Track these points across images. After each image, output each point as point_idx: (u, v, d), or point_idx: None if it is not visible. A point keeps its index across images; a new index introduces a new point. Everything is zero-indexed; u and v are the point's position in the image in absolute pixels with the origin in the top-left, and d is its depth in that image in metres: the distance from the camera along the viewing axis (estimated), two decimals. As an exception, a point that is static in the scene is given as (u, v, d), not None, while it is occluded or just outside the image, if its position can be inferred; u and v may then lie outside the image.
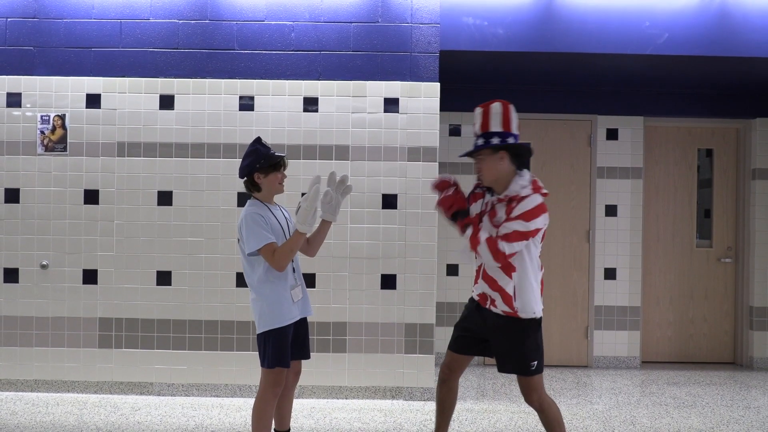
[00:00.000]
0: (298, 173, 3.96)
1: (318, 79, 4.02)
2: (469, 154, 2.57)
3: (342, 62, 4.02)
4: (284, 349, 2.63)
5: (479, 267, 2.61)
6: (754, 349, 5.03)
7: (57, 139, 4.02)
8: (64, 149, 4.02)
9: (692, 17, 4.09)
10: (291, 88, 4.02)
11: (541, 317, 2.59)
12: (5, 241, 4.01)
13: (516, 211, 2.45)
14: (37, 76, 4.02)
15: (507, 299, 2.53)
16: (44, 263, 3.99)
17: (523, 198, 2.46)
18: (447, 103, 4.80)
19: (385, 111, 4.01)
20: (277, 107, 4.02)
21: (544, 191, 2.51)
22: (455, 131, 5.06)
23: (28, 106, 4.02)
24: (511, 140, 2.49)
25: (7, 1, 4.03)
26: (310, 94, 4.01)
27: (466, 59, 4.26)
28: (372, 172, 4.00)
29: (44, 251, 4.00)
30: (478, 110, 2.55)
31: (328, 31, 4.02)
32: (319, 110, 4.02)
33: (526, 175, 2.53)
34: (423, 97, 4.00)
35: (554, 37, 4.07)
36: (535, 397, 2.58)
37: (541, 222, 2.47)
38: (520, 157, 2.56)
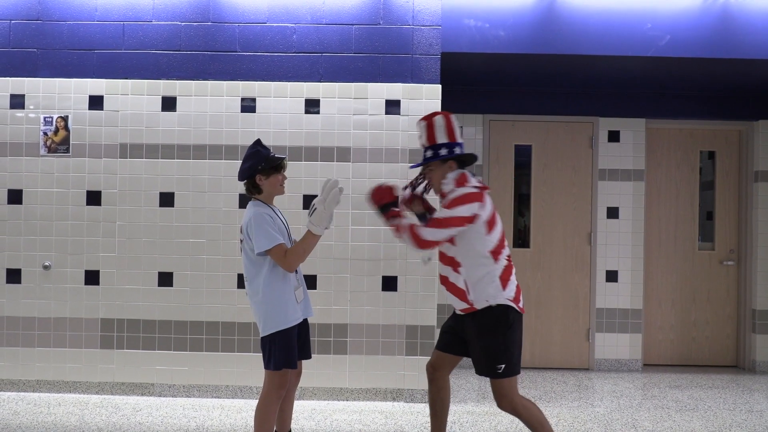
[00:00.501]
0: (299, 175, 3.97)
1: (320, 81, 4.03)
2: (420, 166, 2.70)
3: (343, 64, 4.03)
4: (291, 350, 2.63)
5: (440, 273, 2.70)
6: (756, 353, 5.01)
7: (60, 140, 4.04)
8: (67, 150, 4.04)
9: (694, 19, 4.08)
10: (293, 90, 4.03)
11: (513, 316, 2.54)
12: (8, 241, 4.03)
13: (443, 203, 2.60)
14: (41, 78, 4.04)
15: (461, 295, 2.58)
16: (47, 264, 4.01)
17: (448, 192, 2.59)
18: (448, 105, 4.80)
19: (387, 113, 4.02)
20: (279, 109, 4.03)
21: (474, 185, 2.57)
22: (457, 133, 5.06)
23: (32, 107, 4.05)
24: (457, 150, 2.62)
25: (11, 4, 4.06)
26: (312, 95, 4.02)
27: (467, 61, 4.27)
28: (373, 173, 4.01)
29: (47, 252, 4.02)
30: (422, 123, 2.67)
31: (330, 33, 4.03)
32: (320, 112, 4.03)
33: (452, 175, 2.62)
34: (424, 98, 4.01)
35: (556, 39, 4.07)
36: (505, 403, 2.55)
37: (466, 210, 2.49)
38: (466, 163, 2.69)
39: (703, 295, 5.18)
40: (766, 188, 5.06)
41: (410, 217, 2.70)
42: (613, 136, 5.07)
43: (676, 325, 5.18)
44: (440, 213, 2.55)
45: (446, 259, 2.61)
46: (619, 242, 5.03)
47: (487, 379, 4.60)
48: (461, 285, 2.57)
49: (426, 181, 2.74)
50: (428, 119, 2.64)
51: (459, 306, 2.63)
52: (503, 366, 2.51)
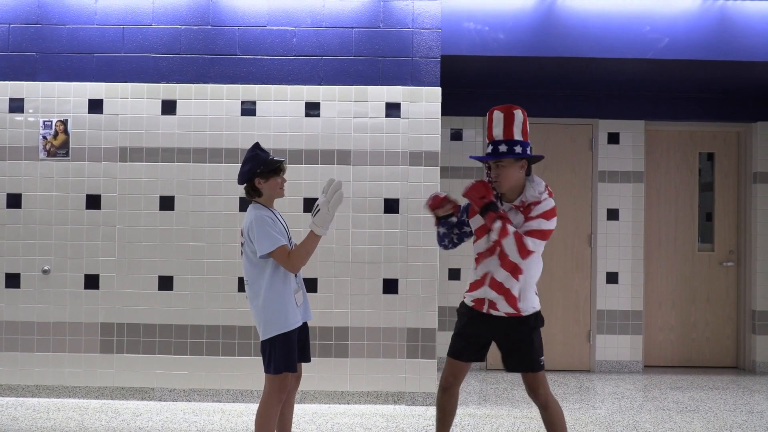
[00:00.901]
0: (300, 178, 3.97)
1: (320, 84, 4.03)
2: (491, 159, 2.53)
3: (344, 67, 4.03)
4: (291, 353, 2.63)
5: (485, 274, 2.61)
6: (756, 354, 5.01)
7: (59, 144, 4.03)
8: (66, 154, 4.03)
9: (692, 21, 4.10)
10: (293, 93, 4.03)
11: (541, 314, 2.68)
12: (7, 246, 4.01)
13: (535, 212, 2.51)
14: (40, 82, 4.03)
15: (512, 301, 2.57)
16: (46, 268, 3.99)
17: (541, 202, 2.53)
18: (448, 108, 4.81)
19: (387, 116, 4.02)
20: (279, 112, 4.02)
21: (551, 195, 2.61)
22: (457, 136, 5.07)
23: (31, 111, 4.04)
24: (529, 150, 2.56)
25: (10, 8, 4.05)
26: (312, 98, 4.02)
27: (467, 64, 4.27)
28: (374, 176, 4.01)
29: (46, 256, 4.01)
30: (498, 114, 2.52)
31: (330, 36, 4.03)
32: (321, 115, 4.03)
33: (541, 182, 2.59)
34: (424, 101, 4.01)
35: (555, 41, 4.08)
36: (542, 392, 2.62)
37: (555, 223, 2.56)
38: (531, 165, 2.65)
39: (702, 296, 5.18)
40: (765, 189, 5.07)
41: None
42: (613, 138, 5.08)
43: (676, 327, 5.18)
44: (539, 225, 2.47)
45: (507, 264, 2.53)
46: (619, 244, 5.04)
47: (492, 381, 4.58)
48: (515, 292, 2.55)
49: (493, 178, 2.57)
50: (507, 111, 2.50)
51: (504, 309, 2.58)
52: (543, 358, 2.63)
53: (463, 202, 2.72)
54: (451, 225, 2.71)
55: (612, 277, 5.03)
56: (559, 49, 4.08)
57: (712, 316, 5.18)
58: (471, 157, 2.79)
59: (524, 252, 2.46)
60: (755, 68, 4.26)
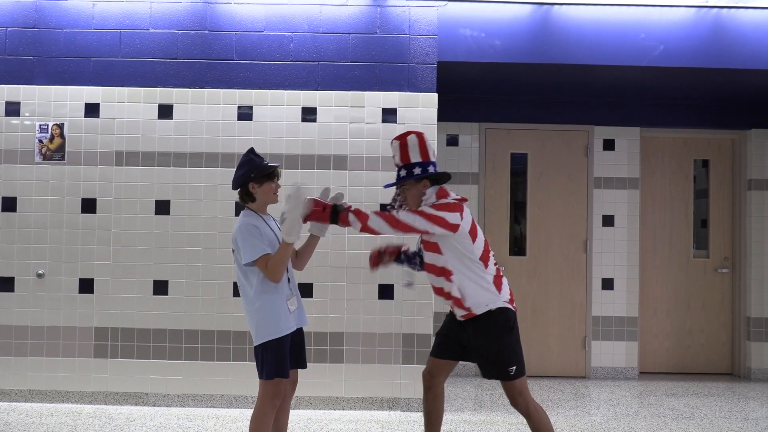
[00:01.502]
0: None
1: (316, 89, 4.05)
2: (394, 185, 2.72)
3: (340, 73, 4.05)
4: (283, 359, 2.62)
5: (432, 287, 2.72)
6: (751, 360, 5.02)
7: (55, 147, 4.02)
8: (62, 158, 4.02)
9: (687, 29, 4.13)
10: (289, 98, 4.03)
11: (513, 317, 2.63)
12: (1, 249, 4.00)
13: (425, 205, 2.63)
14: (36, 86, 4.03)
15: (458, 303, 2.62)
16: (40, 272, 3.98)
17: (429, 200, 2.65)
18: (445, 114, 4.83)
19: (383, 121, 4.03)
20: (276, 117, 4.03)
21: (454, 197, 2.64)
22: (453, 141, 5.08)
23: (27, 115, 4.03)
24: (431, 169, 2.65)
25: (7, 11, 4.05)
26: (309, 104, 4.03)
27: (463, 70, 4.29)
28: (370, 181, 4.01)
29: (40, 260, 3.99)
30: (395, 143, 2.69)
31: (327, 42, 4.05)
32: (317, 120, 4.03)
33: (431, 193, 2.65)
34: (421, 107, 4.03)
35: (551, 48, 4.10)
36: (520, 401, 2.62)
37: (449, 217, 2.54)
38: (439, 182, 2.71)
39: (698, 303, 5.20)
40: (760, 196, 5.10)
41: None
42: (608, 145, 5.11)
43: (671, 333, 5.19)
44: (421, 209, 2.58)
45: (437, 270, 2.64)
46: (614, 250, 5.05)
47: (487, 387, 4.58)
48: (456, 293, 2.61)
49: (401, 201, 2.76)
50: (401, 138, 2.67)
51: (459, 313, 2.66)
52: (514, 368, 2.58)
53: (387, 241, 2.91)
54: (409, 260, 2.84)
55: (607, 284, 5.04)
56: (555, 56, 4.11)
57: (707, 323, 5.19)
58: (385, 186, 2.88)
59: (394, 222, 2.52)
60: (749, 76, 4.29)
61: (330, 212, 2.55)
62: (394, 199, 2.80)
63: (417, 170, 2.63)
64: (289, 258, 2.63)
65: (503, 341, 2.59)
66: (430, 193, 2.66)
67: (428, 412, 2.78)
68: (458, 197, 2.67)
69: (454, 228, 2.54)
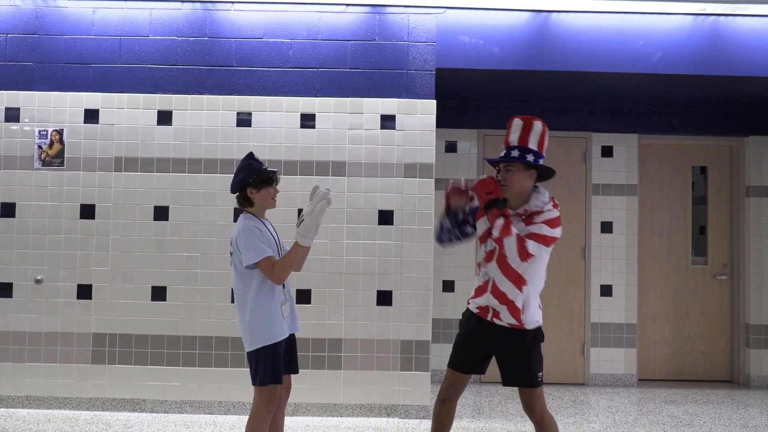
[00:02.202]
0: (294, 189, 3.97)
1: (315, 95, 4.06)
2: (501, 161, 2.55)
3: (339, 79, 4.06)
4: (277, 365, 2.61)
5: (486, 281, 2.59)
6: (751, 367, 5.01)
7: (54, 153, 4.03)
8: (62, 164, 4.03)
9: (685, 37, 4.15)
10: (288, 105, 4.05)
11: (542, 330, 2.65)
12: (0, 255, 3.99)
13: (538, 219, 2.51)
14: (36, 92, 4.04)
15: (515, 312, 2.54)
16: (38, 278, 3.97)
17: (544, 211, 2.54)
18: (443, 120, 4.85)
19: (382, 127, 4.04)
20: (275, 123, 4.04)
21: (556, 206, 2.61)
22: (451, 148, 5.09)
23: (26, 120, 4.04)
24: (542, 162, 2.57)
25: (8, 18, 4.07)
26: (308, 110, 4.04)
27: (462, 77, 4.30)
28: (368, 188, 4.02)
29: (39, 266, 3.99)
30: (518, 122, 2.55)
31: (326, 48, 4.06)
32: (316, 126, 4.04)
33: (545, 193, 2.60)
34: (419, 114, 4.04)
35: (549, 55, 4.12)
36: (538, 409, 2.60)
37: (559, 232, 2.54)
38: (541, 178, 2.63)
39: (696, 310, 5.19)
40: (758, 203, 5.10)
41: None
42: (606, 152, 5.12)
43: (670, 340, 5.18)
44: (540, 229, 2.47)
45: (511, 274, 2.50)
46: (613, 256, 5.05)
47: (486, 394, 4.56)
48: (519, 303, 2.53)
49: (502, 181, 2.57)
50: (527, 120, 2.54)
51: (507, 320, 2.55)
52: (541, 374, 2.60)
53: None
54: (458, 221, 2.68)
55: (606, 290, 5.04)
56: (553, 63, 4.12)
57: (706, 330, 5.19)
58: (485, 158, 2.79)
59: (524, 254, 2.43)
60: (747, 83, 4.31)
61: (490, 200, 2.48)
62: (496, 176, 2.60)
63: (530, 157, 2.51)
64: (298, 262, 2.61)
65: (538, 351, 2.60)
66: (547, 195, 2.56)
67: (440, 421, 2.70)
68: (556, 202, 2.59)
69: (556, 242, 2.54)
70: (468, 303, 2.71)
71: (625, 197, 5.08)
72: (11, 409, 3.94)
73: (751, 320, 5.04)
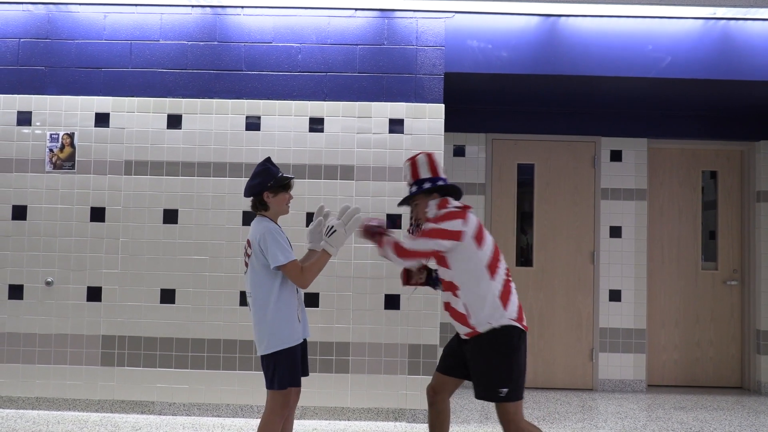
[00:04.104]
0: (303, 193, 3.99)
1: (324, 99, 4.07)
2: (405, 201, 2.75)
3: (348, 83, 4.07)
4: (295, 368, 2.62)
5: (443, 303, 2.71)
6: (761, 374, 4.96)
7: (65, 157, 4.07)
8: (72, 167, 4.06)
9: (695, 41, 4.13)
10: (297, 109, 4.06)
11: (518, 337, 2.51)
12: (11, 257, 4.03)
13: (426, 224, 2.63)
14: (48, 96, 4.08)
15: (462, 320, 2.57)
16: (49, 280, 4.01)
17: (432, 216, 2.64)
18: (451, 124, 4.85)
19: (390, 132, 4.04)
20: (284, 127, 4.06)
21: (456, 204, 2.64)
22: (460, 152, 5.09)
23: (38, 124, 4.08)
24: (440, 183, 2.69)
25: (20, 23, 4.12)
26: (316, 114, 4.06)
27: (470, 81, 4.30)
28: (377, 192, 4.02)
29: (49, 268, 4.02)
30: (406, 164, 2.76)
31: (335, 53, 4.08)
32: (324, 130, 4.06)
33: (432, 202, 2.67)
34: (428, 118, 4.04)
35: (558, 59, 4.11)
36: (511, 429, 2.51)
37: (449, 225, 2.53)
38: (450, 196, 2.72)
39: (706, 315, 5.15)
40: (769, 208, 5.07)
41: (394, 234, 2.76)
42: (615, 156, 5.10)
43: (680, 346, 5.14)
44: (424, 227, 2.61)
45: (445, 284, 2.62)
46: (622, 261, 5.02)
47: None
48: (461, 309, 2.56)
49: (415, 219, 2.77)
50: (411, 159, 2.74)
51: (462, 331, 2.60)
52: (506, 390, 2.47)
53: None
54: (434, 279, 2.81)
55: (615, 295, 5.01)
56: (562, 67, 4.11)
57: (716, 336, 5.14)
58: (398, 204, 2.88)
59: (402, 252, 2.56)
60: (758, 87, 4.28)
61: (371, 232, 2.72)
62: (411, 222, 2.81)
63: (426, 185, 2.67)
64: (323, 268, 2.71)
65: (500, 360, 2.48)
66: (432, 205, 2.66)
67: (432, 427, 2.75)
68: (460, 205, 2.64)
69: (457, 236, 2.51)
70: None
71: (634, 202, 5.06)
72: (21, 411, 3.97)
73: (761, 326, 4.99)
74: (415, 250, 2.55)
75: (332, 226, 2.67)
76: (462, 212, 2.58)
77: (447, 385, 2.71)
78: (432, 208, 2.65)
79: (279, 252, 2.57)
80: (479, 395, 2.55)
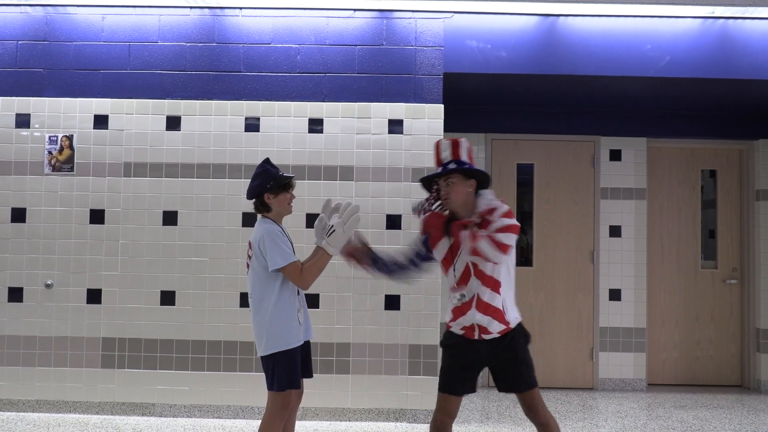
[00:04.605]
0: (302, 194, 3.98)
1: (323, 100, 4.07)
2: (442, 174, 2.56)
3: (347, 84, 4.07)
4: (295, 370, 2.62)
5: (467, 301, 2.54)
6: (761, 372, 4.97)
7: (64, 159, 4.06)
8: (71, 169, 4.05)
9: (693, 40, 4.13)
10: (296, 110, 4.06)
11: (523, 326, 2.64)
12: (10, 260, 4.03)
13: (495, 216, 2.50)
14: (46, 98, 4.08)
15: (500, 317, 2.53)
16: (48, 282, 4.00)
17: (495, 208, 2.52)
18: (451, 124, 4.84)
19: (390, 132, 4.04)
20: (283, 128, 4.05)
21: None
22: (459, 152, 5.08)
23: (37, 126, 4.07)
24: (482, 171, 2.63)
25: (18, 25, 4.11)
26: (315, 115, 4.05)
27: (469, 81, 4.30)
28: (376, 192, 4.02)
29: (49, 271, 4.02)
30: (446, 142, 2.60)
31: (334, 53, 4.07)
32: (324, 131, 4.05)
33: (488, 192, 2.62)
34: (427, 118, 4.04)
35: (557, 59, 4.11)
36: (541, 410, 2.57)
37: (515, 221, 2.51)
38: (481, 187, 2.64)
39: (706, 314, 5.16)
40: (768, 207, 5.07)
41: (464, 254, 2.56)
42: (615, 155, 5.10)
43: (679, 344, 5.15)
44: (501, 222, 2.44)
45: (488, 280, 2.50)
46: (621, 260, 5.03)
47: (494, 399, 4.53)
48: (500, 305, 2.52)
49: (438, 201, 2.61)
50: (453, 139, 2.63)
51: (496, 329, 2.52)
52: (535, 376, 2.60)
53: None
54: (375, 260, 2.71)
55: (615, 294, 5.01)
56: (561, 67, 4.11)
57: (716, 334, 5.15)
58: (421, 180, 2.72)
59: (502, 247, 2.40)
60: (756, 86, 4.28)
61: (447, 221, 2.56)
62: (428, 200, 2.66)
63: (466, 166, 2.57)
64: (323, 268, 2.67)
65: (527, 351, 2.60)
66: (489, 193, 2.58)
67: None
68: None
69: (518, 231, 2.51)
70: (449, 327, 2.63)
71: (634, 201, 5.06)
72: (21, 413, 3.96)
73: (761, 325, 5.00)
74: (510, 244, 2.44)
75: (332, 226, 2.64)
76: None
77: (459, 405, 2.61)
78: (491, 196, 2.57)
79: (277, 254, 2.56)
80: (525, 387, 2.54)
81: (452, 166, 2.55)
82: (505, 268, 2.53)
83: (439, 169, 2.59)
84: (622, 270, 5.02)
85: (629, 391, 4.93)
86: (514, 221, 2.48)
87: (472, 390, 2.62)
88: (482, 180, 2.61)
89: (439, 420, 2.56)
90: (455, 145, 2.60)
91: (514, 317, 2.58)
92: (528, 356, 2.60)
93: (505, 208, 2.52)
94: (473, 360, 2.58)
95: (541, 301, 5.05)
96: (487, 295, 2.51)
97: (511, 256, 2.55)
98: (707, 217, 5.26)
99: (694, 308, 5.16)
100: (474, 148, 5.06)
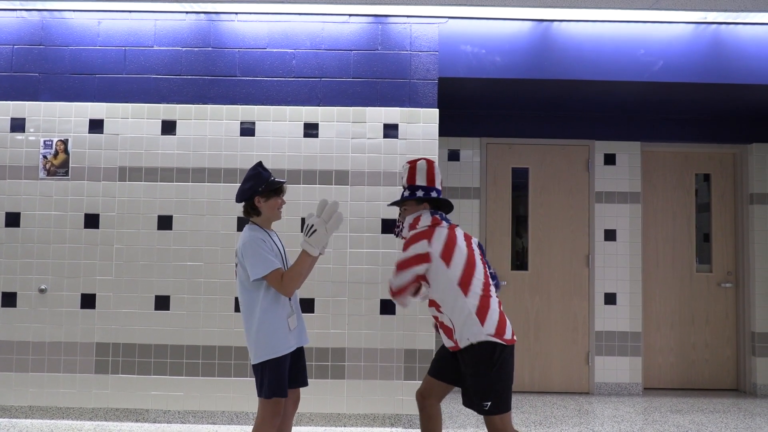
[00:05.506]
0: (298, 198, 3.98)
1: (318, 105, 4.08)
2: (396, 204, 2.74)
3: (342, 89, 4.08)
4: (282, 379, 2.58)
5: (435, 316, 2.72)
6: (757, 376, 4.98)
7: (59, 163, 4.05)
8: (66, 174, 4.05)
9: (686, 45, 4.16)
10: (292, 114, 4.06)
11: (498, 353, 2.48)
12: (4, 264, 4.01)
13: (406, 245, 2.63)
14: (41, 102, 4.07)
15: (449, 333, 2.59)
16: (42, 287, 3.98)
17: (406, 237, 2.69)
18: (446, 129, 4.86)
19: (385, 136, 4.05)
20: (278, 133, 4.06)
21: (425, 224, 2.62)
22: (454, 156, 5.10)
23: (32, 130, 4.07)
24: (433, 194, 2.68)
25: (14, 29, 4.11)
26: (311, 119, 4.06)
27: (464, 86, 4.32)
28: (371, 197, 4.02)
29: (43, 275, 4.00)
30: (406, 166, 2.74)
31: (329, 58, 4.09)
32: (319, 135, 4.06)
33: (408, 218, 2.69)
34: (422, 122, 4.05)
35: (551, 64, 4.13)
36: None
37: (414, 249, 2.55)
38: (440, 209, 2.73)
39: (702, 318, 5.16)
40: (762, 210, 5.09)
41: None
42: (609, 159, 5.12)
43: (675, 348, 5.15)
44: (398, 260, 2.60)
45: (431, 302, 2.64)
46: (617, 264, 5.04)
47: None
48: (448, 323, 2.57)
49: (401, 224, 2.75)
50: (412, 163, 2.73)
51: (447, 344, 2.63)
52: (489, 403, 2.48)
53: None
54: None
55: (610, 298, 5.02)
56: (555, 71, 4.14)
57: (712, 338, 5.16)
58: (388, 205, 2.91)
59: (392, 293, 2.59)
60: (749, 90, 4.31)
61: None
62: (397, 224, 2.80)
63: (419, 193, 2.67)
64: (308, 272, 2.58)
65: (481, 376, 2.48)
66: (408, 219, 2.67)
67: (422, 430, 2.74)
68: (428, 224, 2.62)
69: (426, 258, 2.53)
70: None
71: (629, 205, 5.08)
72: (14, 419, 3.93)
73: (756, 328, 5.01)
74: (399, 286, 2.56)
75: (312, 225, 2.53)
76: (428, 231, 2.57)
77: (435, 389, 2.69)
78: (405, 227, 2.68)
79: (258, 263, 2.51)
80: (465, 404, 2.61)
81: (405, 194, 2.69)
82: (440, 290, 2.54)
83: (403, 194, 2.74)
84: (617, 274, 5.03)
85: (625, 396, 4.93)
86: (405, 255, 2.55)
87: (450, 382, 2.67)
88: (442, 204, 2.70)
89: (416, 394, 2.76)
90: (411, 170, 2.70)
91: (462, 338, 2.50)
92: (481, 381, 2.47)
93: (408, 236, 2.62)
94: (448, 355, 2.70)
95: (537, 306, 5.05)
96: (435, 313, 2.63)
97: (444, 279, 2.52)
98: (702, 220, 5.28)
99: (689, 312, 5.16)
100: (469, 153, 5.09)
